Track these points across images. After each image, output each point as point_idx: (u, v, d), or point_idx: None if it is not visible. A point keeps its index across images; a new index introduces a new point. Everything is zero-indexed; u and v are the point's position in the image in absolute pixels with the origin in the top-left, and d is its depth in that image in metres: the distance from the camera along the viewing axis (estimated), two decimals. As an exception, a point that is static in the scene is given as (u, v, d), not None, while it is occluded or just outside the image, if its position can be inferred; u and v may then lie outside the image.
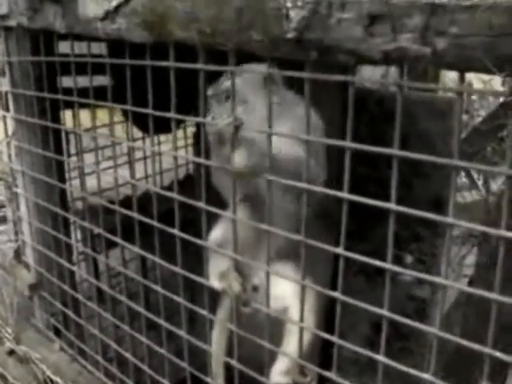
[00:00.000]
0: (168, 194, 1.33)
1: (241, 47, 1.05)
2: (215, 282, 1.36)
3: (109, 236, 1.62)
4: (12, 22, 1.74)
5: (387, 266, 0.95)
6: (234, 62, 1.10)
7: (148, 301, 1.96)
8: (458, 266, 3.20)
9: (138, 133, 2.84)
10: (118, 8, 1.26)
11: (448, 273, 0.96)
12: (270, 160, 1.09)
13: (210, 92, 1.60)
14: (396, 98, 0.90)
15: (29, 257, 2.11)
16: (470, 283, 3.44)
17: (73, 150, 2.12)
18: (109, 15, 1.30)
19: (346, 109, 0.97)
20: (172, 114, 1.26)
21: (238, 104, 1.49)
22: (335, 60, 0.93)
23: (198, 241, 1.27)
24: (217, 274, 1.36)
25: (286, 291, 1.42)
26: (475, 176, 4.55)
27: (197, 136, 3.15)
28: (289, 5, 0.92)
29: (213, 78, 1.52)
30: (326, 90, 1.96)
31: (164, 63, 1.24)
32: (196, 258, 1.38)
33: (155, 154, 3.08)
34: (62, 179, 1.98)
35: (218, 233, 1.49)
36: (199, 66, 1.16)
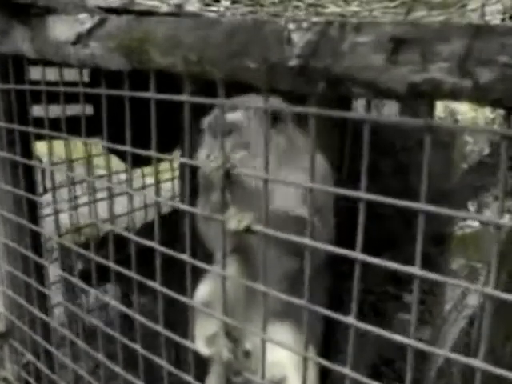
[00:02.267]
0: (132, 237, 1.15)
1: (232, 77, 0.89)
2: (202, 348, 1.17)
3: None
4: (-20, 46, 1.58)
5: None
6: (223, 94, 0.93)
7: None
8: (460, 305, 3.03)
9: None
10: (91, 31, 1.10)
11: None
12: (268, 218, 0.92)
13: (205, 124, 1.43)
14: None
15: (-2, 302, 1.92)
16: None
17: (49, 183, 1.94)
18: (81, 39, 1.13)
19: (343, 134, 0.81)
20: (152, 153, 1.10)
21: (238, 146, 1.32)
22: (348, 94, 0.77)
23: (183, 298, 1.09)
24: (204, 337, 1.18)
25: (283, 357, 1.21)
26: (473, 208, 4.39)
27: (183, 169, 2.99)
28: (291, 27, 0.76)
29: (203, 107, 1.35)
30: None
31: (144, 94, 1.07)
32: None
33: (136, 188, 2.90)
34: (35, 217, 1.79)
35: (204, 290, 1.30)
36: (184, 97, 1.00)
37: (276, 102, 1.41)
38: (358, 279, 0.83)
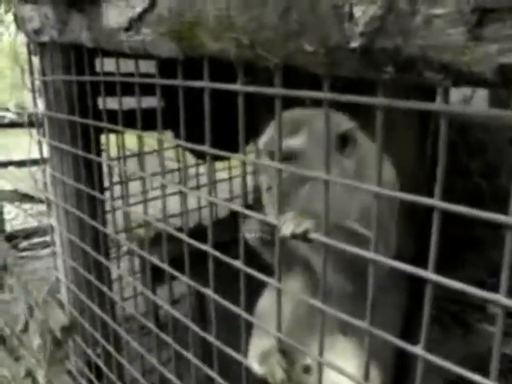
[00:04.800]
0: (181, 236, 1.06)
1: (289, 63, 0.77)
2: (255, 365, 1.07)
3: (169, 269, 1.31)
4: (45, 37, 1.55)
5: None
6: (280, 83, 0.82)
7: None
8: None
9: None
10: (142, 15, 1.02)
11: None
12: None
13: (260, 144, 1.28)
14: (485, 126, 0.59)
15: (64, 295, 1.91)
16: None
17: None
18: (133, 25, 1.06)
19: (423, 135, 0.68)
20: (236, 155, 1.00)
21: (300, 180, 1.18)
22: (420, 79, 0.63)
23: (237, 309, 0.99)
24: (258, 354, 1.07)
25: (345, 380, 1.06)
26: None
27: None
28: (353, 0, 0.64)
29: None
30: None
31: (197, 83, 0.98)
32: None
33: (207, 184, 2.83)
34: (95, 212, 1.75)
35: (265, 302, 1.19)
36: (237, 87, 0.89)
37: (341, 119, 1.24)
38: (430, 302, 0.70)
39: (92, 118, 1.48)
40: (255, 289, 1.17)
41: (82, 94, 1.51)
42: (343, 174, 1.16)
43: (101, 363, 1.72)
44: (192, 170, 2.76)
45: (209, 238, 1.07)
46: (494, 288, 0.67)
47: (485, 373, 0.69)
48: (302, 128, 1.19)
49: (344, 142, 1.22)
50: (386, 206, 1.16)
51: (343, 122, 1.22)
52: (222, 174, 2.98)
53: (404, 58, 0.62)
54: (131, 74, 1.26)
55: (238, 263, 0.97)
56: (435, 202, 0.64)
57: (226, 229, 1.78)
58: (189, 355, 1.15)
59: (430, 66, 0.60)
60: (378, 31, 0.62)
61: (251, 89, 0.88)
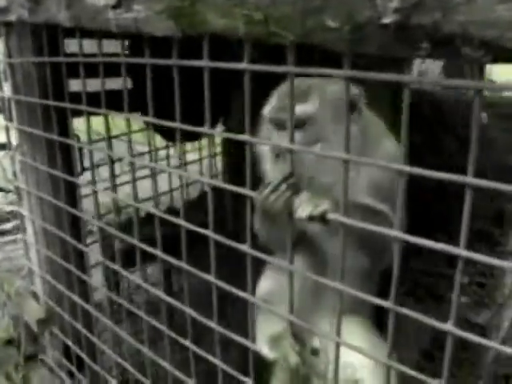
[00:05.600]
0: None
1: (306, 40, 0.74)
2: (265, 349, 1.05)
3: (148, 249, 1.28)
4: (12, 17, 1.46)
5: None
6: (293, 61, 0.79)
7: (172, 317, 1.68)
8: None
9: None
10: (134, -9, 0.97)
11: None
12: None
13: (266, 113, 1.28)
14: (458, 102, 0.60)
15: (38, 287, 1.84)
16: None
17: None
18: (123, 2, 1.00)
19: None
20: (205, 129, 0.97)
21: (312, 139, 1.17)
22: (456, 55, 0.62)
23: (242, 293, 0.97)
24: (267, 338, 1.05)
25: (357, 359, 1.05)
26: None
27: (227, 144, 2.84)
28: (387, -27, 0.61)
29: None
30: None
31: (197, 62, 0.93)
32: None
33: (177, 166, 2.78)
34: (74, 197, 1.69)
35: (266, 285, 1.17)
36: (243, 65, 0.86)
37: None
38: (460, 275, 0.70)
39: (64, 101, 1.41)
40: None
41: (55, 77, 1.43)
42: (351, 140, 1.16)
43: (82, 353, 1.67)
44: (162, 153, 2.70)
45: (209, 220, 1.03)
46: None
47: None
48: (312, 95, 1.19)
49: (351, 107, 1.21)
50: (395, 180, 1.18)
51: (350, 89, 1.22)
52: (191, 156, 2.93)
53: (443, 34, 0.60)
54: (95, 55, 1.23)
55: (244, 247, 0.94)
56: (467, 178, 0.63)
57: (198, 211, 1.76)
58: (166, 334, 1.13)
59: (470, 42, 0.59)
60: (415, 7, 0.60)
61: (258, 67, 0.85)
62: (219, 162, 2.91)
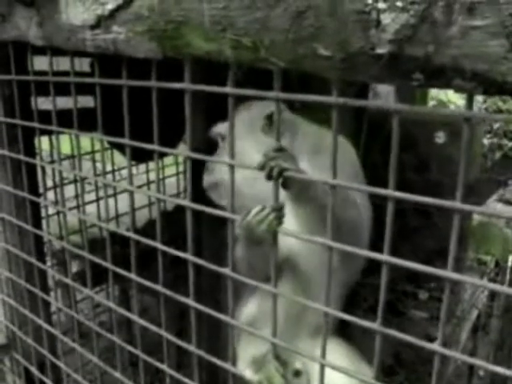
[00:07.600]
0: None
1: (297, 66, 0.76)
2: (247, 372, 1.04)
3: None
4: (-27, 32, 1.42)
5: None
6: (279, 87, 0.80)
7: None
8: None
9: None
10: (114, 13, 0.96)
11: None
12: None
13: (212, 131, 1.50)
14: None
15: (-2, 311, 1.77)
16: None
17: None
18: (102, 22, 0.99)
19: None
20: (155, 146, 0.98)
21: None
22: (446, 86, 0.64)
23: (223, 317, 0.96)
24: (249, 360, 1.04)
25: (339, 378, 1.06)
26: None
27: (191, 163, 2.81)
28: (381, 6, 0.63)
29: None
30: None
31: (177, 85, 0.93)
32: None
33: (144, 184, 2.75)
34: (38, 218, 1.65)
35: (251, 309, 1.17)
36: (228, 89, 0.86)
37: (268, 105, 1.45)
38: (386, 285, 0.73)
39: (30, 119, 1.38)
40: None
41: (21, 95, 1.40)
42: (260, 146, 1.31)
43: (47, 379, 1.61)
44: (124, 172, 2.66)
45: (188, 245, 1.02)
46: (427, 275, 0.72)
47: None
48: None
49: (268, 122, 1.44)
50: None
51: (270, 107, 1.40)
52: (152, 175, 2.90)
53: (435, 66, 0.62)
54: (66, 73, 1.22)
55: (226, 270, 0.94)
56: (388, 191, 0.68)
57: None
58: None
59: (462, 74, 0.61)
60: (408, 39, 0.62)
61: (244, 91, 0.86)
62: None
